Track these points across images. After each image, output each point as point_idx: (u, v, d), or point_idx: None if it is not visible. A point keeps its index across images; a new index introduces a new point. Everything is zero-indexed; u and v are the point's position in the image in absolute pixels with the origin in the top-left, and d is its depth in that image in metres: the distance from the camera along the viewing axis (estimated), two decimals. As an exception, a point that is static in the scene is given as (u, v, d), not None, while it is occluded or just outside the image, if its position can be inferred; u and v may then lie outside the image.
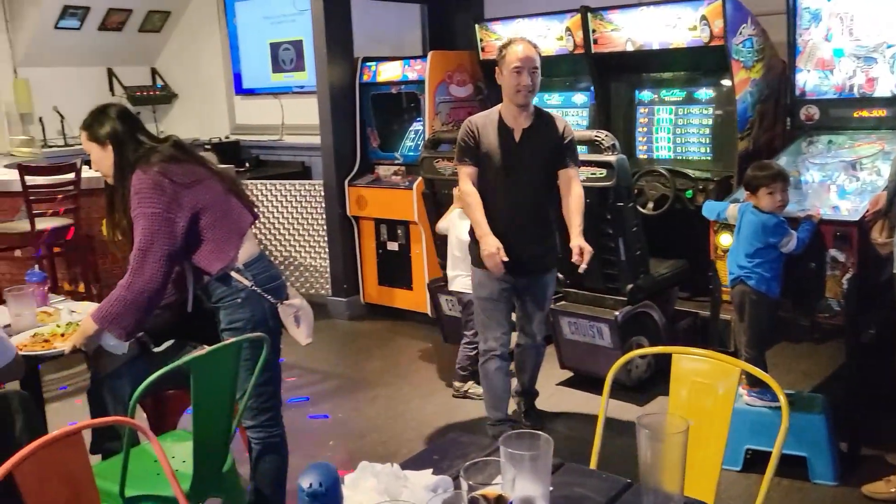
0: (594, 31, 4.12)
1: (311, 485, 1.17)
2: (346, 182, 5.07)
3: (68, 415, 3.57)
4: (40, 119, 6.97)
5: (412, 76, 4.80)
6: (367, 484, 1.32)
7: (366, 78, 5.01)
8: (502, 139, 3.05)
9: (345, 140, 5.09)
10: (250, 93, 7.01)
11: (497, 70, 3.05)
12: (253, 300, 2.41)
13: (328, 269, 5.40)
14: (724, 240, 3.20)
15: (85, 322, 2.35)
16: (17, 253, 5.12)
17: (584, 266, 2.94)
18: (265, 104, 6.93)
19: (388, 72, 4.91)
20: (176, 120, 7.80)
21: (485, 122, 3.10)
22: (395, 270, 5.03)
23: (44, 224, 4.74)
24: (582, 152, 3.55)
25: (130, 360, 2.90)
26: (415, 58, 4.86)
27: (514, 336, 3.35)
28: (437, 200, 4.13)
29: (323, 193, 5.24)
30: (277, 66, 6.73)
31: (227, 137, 7.12)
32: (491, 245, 2.94)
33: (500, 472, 1.23)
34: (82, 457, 1.64)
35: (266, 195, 5.73)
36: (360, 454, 3.20)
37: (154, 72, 7.81)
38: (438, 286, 4.26)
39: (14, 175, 5.47)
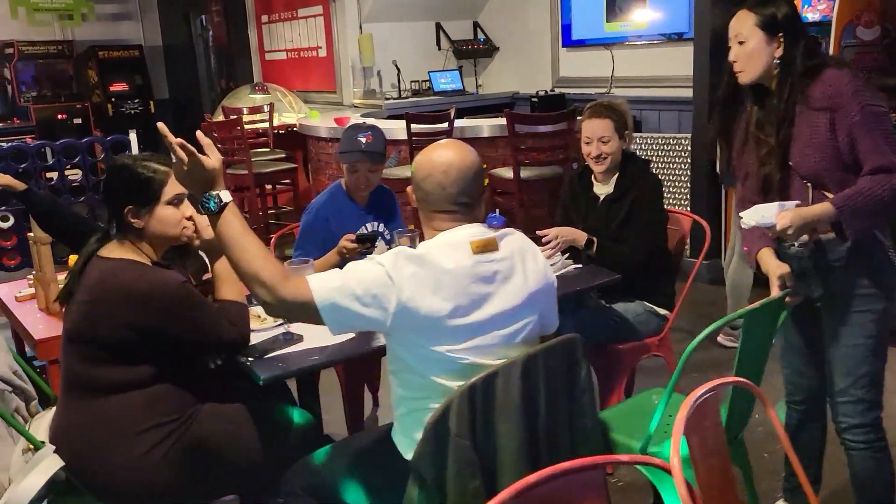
0: None
1: None
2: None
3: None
4: (378, 72, 7.34)
5: (813, 17, 4.30)
6: None
7: (750, 22, 4.59)
8: None
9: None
10: (580, 44, 6.82)
11: None
12: None
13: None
14: None
15: (824, 208, 1.96)
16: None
17: None
18: (592, 56, 6.72)
19: (780, 14, 4.45)
20: (495, 73, 7.87)
21: None
22: (768, 233, 4.62)
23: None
24: None
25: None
26: (816, -3, 4.36)
27: None
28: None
29: (689, 148, 4.94)
30: (612, 16, 6.47)
31: (551, 90, 7.03)
32: None
33: None
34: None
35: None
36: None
37: (476, 25, 7.91)
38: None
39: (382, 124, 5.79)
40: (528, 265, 1.86)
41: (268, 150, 6.26)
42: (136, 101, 8.84)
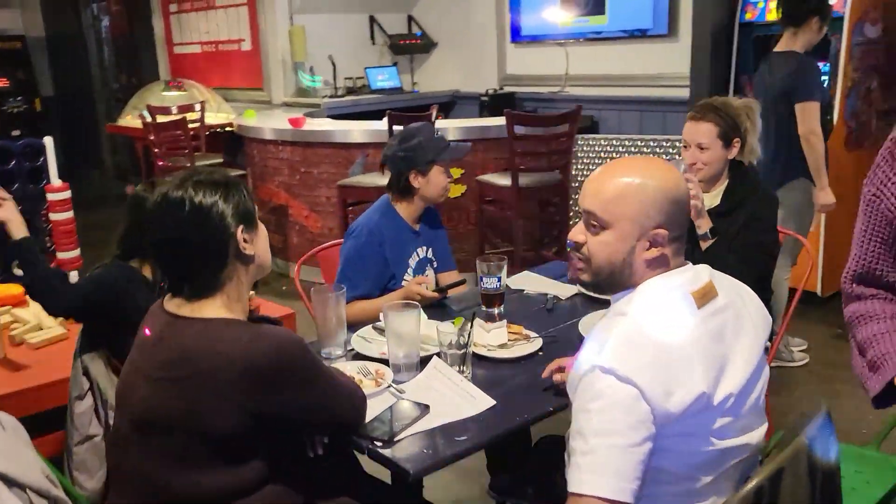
0: None
1: None
2: (716, 138, 4.47)
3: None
4: (311, 68, 6.70)
5: (822, 13, 4.11)
6: None
7: (749, 17, 4.36)
8: None
9: (716, 91, 4.48)
10: (531, 40, 6.46)
11: None
12: None
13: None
14: None
15: None
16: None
17: None
18: (544, 52, 6.38)
19: (782, 9, 4.24)
20: (432, 70, 7.39)
21: None
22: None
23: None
24: None
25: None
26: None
27: None
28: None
29: (670, 151, 4.67)
30: (568, 10, 6.14)
31: (499, 89, 6.64)
32: None
33: None
34: None
35: (613, 151, 5.10)
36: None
37: (410, 18, 7.39)
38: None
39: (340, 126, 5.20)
40: (748, 306, 1.46)
41: (199, 153, 5.51)
42: (19, 98, 7.76)
